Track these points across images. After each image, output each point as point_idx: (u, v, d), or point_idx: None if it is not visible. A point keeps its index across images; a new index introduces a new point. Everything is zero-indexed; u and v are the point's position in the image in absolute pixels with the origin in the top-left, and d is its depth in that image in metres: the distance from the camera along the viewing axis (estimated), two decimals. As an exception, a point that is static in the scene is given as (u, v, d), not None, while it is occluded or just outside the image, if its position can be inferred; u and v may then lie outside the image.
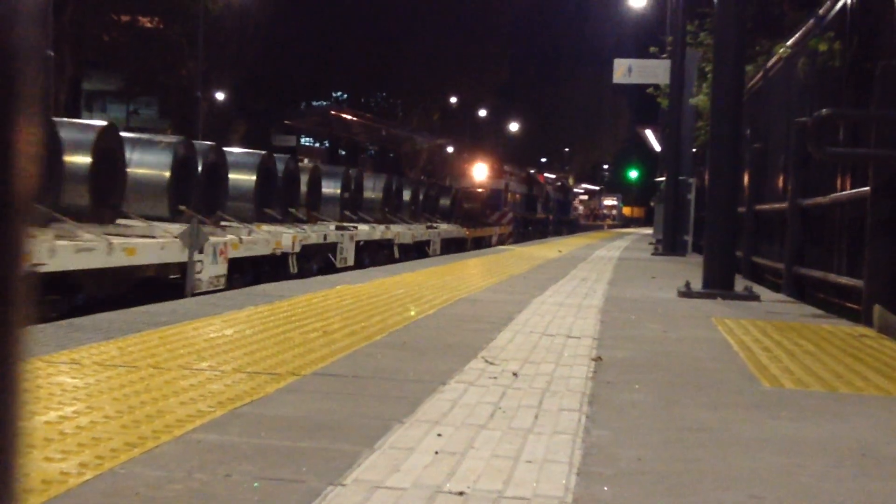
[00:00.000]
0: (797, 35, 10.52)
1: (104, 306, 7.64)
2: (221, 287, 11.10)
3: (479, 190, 42.65)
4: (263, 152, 16.87)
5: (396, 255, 20.58)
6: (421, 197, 28.13)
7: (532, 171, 56.59)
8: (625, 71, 19.79)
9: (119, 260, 9.48)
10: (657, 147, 33.49)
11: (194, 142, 13.99)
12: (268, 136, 40.52)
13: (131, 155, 12.19)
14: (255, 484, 2.17)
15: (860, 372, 4.19)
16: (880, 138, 6.29)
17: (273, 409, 2.98)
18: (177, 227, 11.33)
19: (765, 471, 2.48)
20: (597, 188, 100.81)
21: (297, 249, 14.73)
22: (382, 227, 20.97)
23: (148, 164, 12.68)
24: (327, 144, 50.27)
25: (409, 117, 55.16)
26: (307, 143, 51.60)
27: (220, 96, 45.59)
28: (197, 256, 10.87)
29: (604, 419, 3.03)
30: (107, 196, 11.08)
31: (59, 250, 8.60)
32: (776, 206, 10.88)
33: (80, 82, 41.80)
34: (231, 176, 14.71)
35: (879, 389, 3.78)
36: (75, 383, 3.20)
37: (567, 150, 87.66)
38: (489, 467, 2.38)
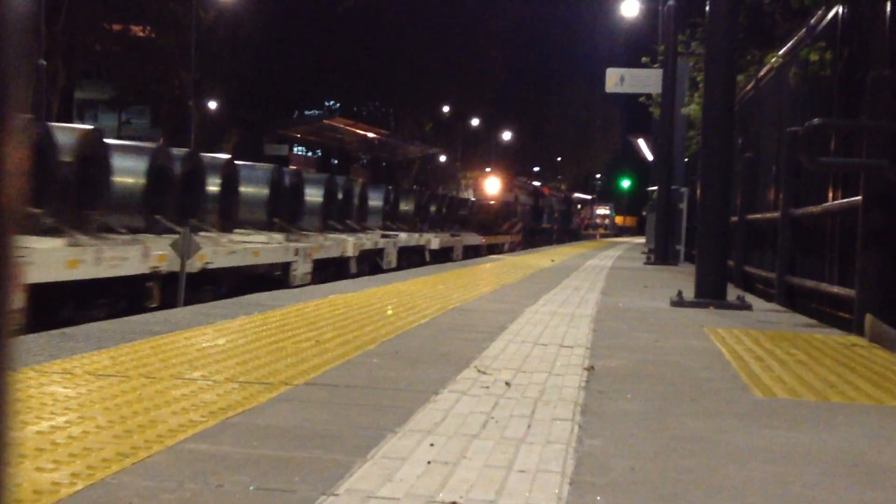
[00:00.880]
0: (788, 45, 10.56)
1: (236, 294, 10.16)
2: (308, 282, 14.35)
3: (492, 202, 47.60)
4: (328, 175, 21.41)
5: (428, 258, 24.19)
6: (444, 209, 32.77)
7: (538, 185, 62.94)
8: (617, 80, 19.83)
9: (250, 260, 12.97)
10: (649, 156, 33.59)
11: (282, 168, 18.29)
12: (260, 146, 40.52)
13: (241, 179, 15.82)
14: (251, 487, 2.17)
15: (852, 381, 4.20)
16: (871, 148, 6.31)
17: (265, 418, 2.97)
18: (278, 235, 15.64)
19: (757, 480, 2.48)
20: (589, 197, 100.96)
21: (357, 253, 18.21)
22: (417, 234, 24.77)
23: (252, 185, 16.50)
24: (320, 153, 50.33)
25: (401, 126, 55.20)
26: (300, 153, 51.61)
27: (212, 105, 45.57)
28: (294, 257, 14.57)
29: (596, 429, 3.03)
30: (229, 211, 14.90)
31: (219, 253, 11.83)
32: (768, 215, 10.91)
33: (73, 91, 41.77)
34: (306, 195, 18.70)
35: (871, 399, 3.79)
36: (67, 393, 3.19)
37: (559, 159, 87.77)
38: (482, 477, 2.38)
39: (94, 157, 11.04)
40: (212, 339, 4.71)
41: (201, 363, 3.93)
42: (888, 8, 6.65)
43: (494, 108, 68.27)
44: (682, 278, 11.59)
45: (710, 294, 8.03)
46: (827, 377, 4.29)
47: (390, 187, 26.48)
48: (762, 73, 12.40)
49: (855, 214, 6.72)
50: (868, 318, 6.03)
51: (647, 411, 3.37)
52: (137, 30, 41.82)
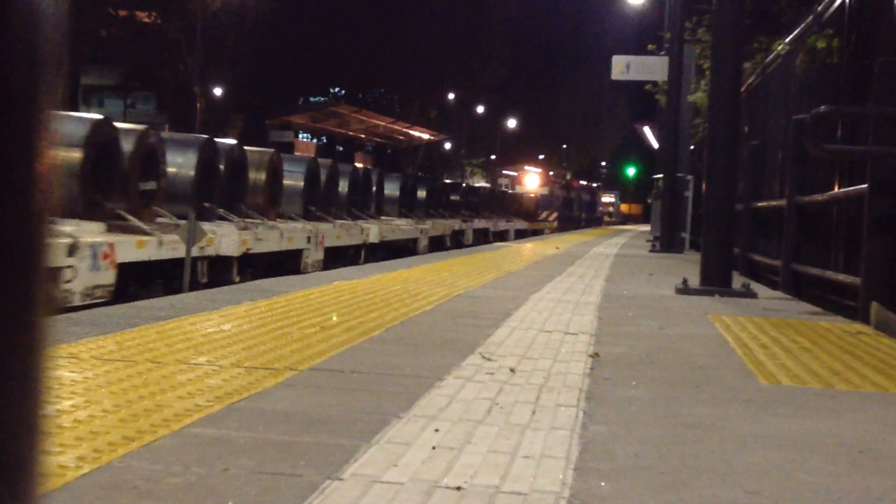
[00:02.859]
0: (796, 32, 10.52)
1: (392, 258, 15.11)
2: (426, 251, 21.02)
3: (533, 195, 57.35)
4: (429, 176, 32.50)
5: (491, 238, 32.18)
6: (500, 201, 42.93)
7: (568, 179, 79.11)
8: (623, 67, 19.80)
9: (400, 235, 20.96)
10: (655, 144, 33.56)
11: (406, 174, 29.90)
12: (265, 131, 40.47)
13: (385, 183, 23.37)
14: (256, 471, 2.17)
15: (857, 369, 4.20)
16: (878, 135, 6.30)
17: (271, 403, 2.98)
18: (409, 220, 23.18)
19: (761, 466, 2.49)
20: (594, 185, 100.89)
21: (450, 233, 26.57)
22: (484, 220, 33.78)
23: (390, 186, 23.86)
24: (325, 140, 50.29)
25: (406, 113, 55.13)
26: (305, 139, 51.58)
27: (217, 91, 45.52)
28: (419, 235, 22.48)
29: (601, 415, 3.03)
30: (380, 205, 22.36)
31: (387, 231, 19.62)
32: (773, 203, 10.89)
33: (79, 77, 41.75)
34: (417, 193, 26.59)
35: (876, 386, 3.79)
36: (73, 377, 3.20)
37: (565, 146, 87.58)
38: (486, 462, 2.38)
39: (331, 176, 18.21)
40: (217, 324, 4.72)
41: (207, 348, 3.94)
42: (896, -5, 6.62)
43: (499, 96, 68.13)
44: (687, 266, 11.57)
45: (715, 282, 8.03)
46: (832, 365, 4.29)
47: (464, 185, 38.94)
48: (769, 60, 12.36)
49: (861, 202, 6.71)
50: (873, 305, 6.03)
51: (651, 398, 3.37)
52: (143, 16, 41.75)
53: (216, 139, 13.66)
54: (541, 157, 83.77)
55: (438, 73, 55.84)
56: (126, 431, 2.53)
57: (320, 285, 7.12)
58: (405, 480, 2.20)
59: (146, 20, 41.87)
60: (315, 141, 53.21)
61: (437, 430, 2.69)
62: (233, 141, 14.87)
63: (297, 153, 33.00)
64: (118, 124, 11.13)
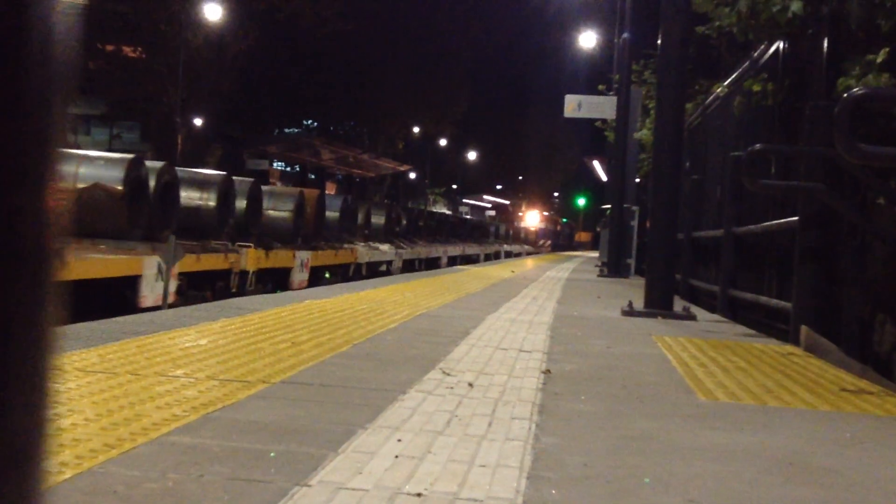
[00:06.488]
0: (733, 76, 10.65)
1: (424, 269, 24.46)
2: (482, 262, 30.76)
3: (534, 229, 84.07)
4: (494, 222, 65.76)
5: (512, 257, 39.51)
6: (518, 233, 60.65)
7: (555, 217, 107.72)
8: (575, 106, 19.92)
9: (471, 251, 35.89)
10: (604, 177, 33.79)
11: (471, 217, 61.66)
12: (242, 160, 40.32)
13: (454, 222, 41.82)
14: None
15: (788, 387, 4.23)
16: (808, 172, 6.37)
17: (244, 414, 2.95)
18: (478, 245, 40.17)
19: (700, 477, 2.49)
20: (547, 214, 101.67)
21: (493, 252, 39.54)
22: (508, 246, 47.53)
23: (459, 224, 40.52)
24: (298, 168, 50.14)
25: (374, 145, 55.12)
26: (279, 167, 51.42)
27: (198, 122, 45.27)
28: (480, 252, 37.31)
29: (552, 427, 3.03)
30: (460, 235, 37.94)
31: (458, 250, 32.78)
32: (712, 233, 10.98)
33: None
34: (492, 228, 52.87)
35: (806, 404, 3.82)
36: (57, 388, 3.15)
37: (521, 178, 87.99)
38: (445, 471, 2.37)
39: (416, 216, 29.90)
40: (194, 339, 4.68)
41: (184, 362, 3.90)
42: (825, 43, 6.72)
43: (461, 130, 68.31)
44: (633, 290, 11.63)
45: (658, 305, 8.07)
46: (765, 383, 4.32)
47: (498, 226, 58.92)
48: (709, 101, 12.49)
49: (792, 233, 6.78)
50: (803, 328, 6.08)
51: (599, 412, 3.38)
52: (129, 50, 41.46)
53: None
54: (498, 187, 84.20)
55: (405, 108, 55.91)
56: (106, 439, 2.49)
57: (292, 304, 7.08)
58: (369, 487, 2.18)
59: (132, 55, 41.59)
60: (287, 169, 53.05)
61: (399, 441, 2.68)
62: (393, 202, 26.07)
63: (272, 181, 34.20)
64: (393, 207, 27.26)
